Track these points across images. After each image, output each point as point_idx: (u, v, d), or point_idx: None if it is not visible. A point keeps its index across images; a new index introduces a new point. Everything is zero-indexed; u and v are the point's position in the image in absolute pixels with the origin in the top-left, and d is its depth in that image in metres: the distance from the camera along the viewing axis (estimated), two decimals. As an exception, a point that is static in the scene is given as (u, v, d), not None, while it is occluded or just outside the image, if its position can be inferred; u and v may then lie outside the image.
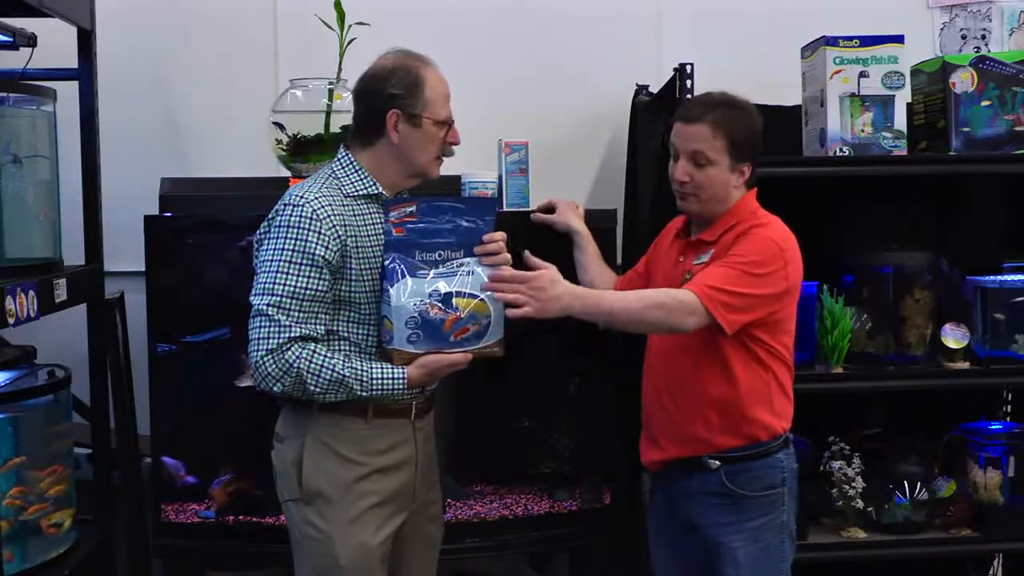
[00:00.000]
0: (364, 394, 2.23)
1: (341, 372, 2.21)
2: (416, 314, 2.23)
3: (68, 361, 2.77)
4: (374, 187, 2.31)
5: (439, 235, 2.29)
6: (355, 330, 2.28)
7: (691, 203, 2.42)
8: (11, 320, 2.20)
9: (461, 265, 2.29)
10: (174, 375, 2.78)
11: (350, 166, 2.32)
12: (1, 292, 2.16)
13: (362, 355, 2.28)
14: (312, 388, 2.20)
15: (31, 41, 2.80)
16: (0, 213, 2.50)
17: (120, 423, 2.87)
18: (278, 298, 2.19)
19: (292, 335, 2.19)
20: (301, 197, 2.23)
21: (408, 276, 2.25)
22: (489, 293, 2.28)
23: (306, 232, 2.20)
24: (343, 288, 2.25)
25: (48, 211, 2.72)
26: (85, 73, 2.78)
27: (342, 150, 2.36)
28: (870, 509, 2.95)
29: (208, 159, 3.28)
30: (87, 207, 2.81)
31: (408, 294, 2.23)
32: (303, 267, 2.20)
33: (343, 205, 2.26)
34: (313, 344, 2.21)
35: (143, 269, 2.81)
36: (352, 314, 2.28)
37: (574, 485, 2.98)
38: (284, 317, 2.18)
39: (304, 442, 2.28)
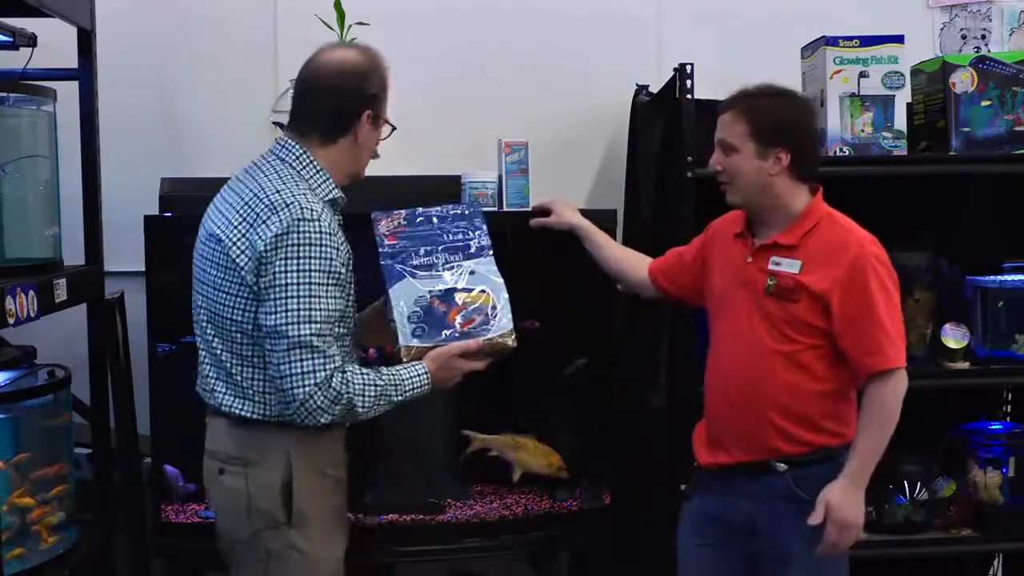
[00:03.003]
0: (399, 399, 2.20)
1: (380, 384, 2.17)
2: (418, 308, 2.25)
3: (68, 361, 2.77)
4: (337, 192, 2.26)
5: (432, 242, 2.32)
6: (343, 341, 2.23)
7: (730, 193, 2.42)
8: (11, 320, 2.19)
9: (459, 267, 2.31)
10: (174, 375, 2.78)
11: (311, 166, 2.24)
12: (1, 292, 2.16)
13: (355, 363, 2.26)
14: (360, 410, 2.15)
15: (31, 41, 2.79)
16: (0, 214, 2.51)
17: (120, 423, 2.87)
18: (318, 325, 2.10)
19: (336, 364, 2.12)
20: (310, 209, 2.13)
21: (408, 277, 2.26)
22: (495, 283, 2.29)
23: (328, 249, 2.12)
24: (345, 302, 2.21)
25: (51, 216, 2.71)
26: (85, 73, 2.78)
27: (297, 147, 2.25)
28: (870, 509, 2.94)
29: (208, 159, 3.28)
30: (87, 207, 2.81)
31: (409, 291, 2.26)
32: (330, 288, 2.13)
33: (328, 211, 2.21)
34: (346, 367, 2.16)
35: (143, 269, 2.81)
36: (345, 327, 2.24)
37: (574, 485, 2.98)
38: (327, 346, 2.11)
39: (289, 463, 2.20)
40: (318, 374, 2.10)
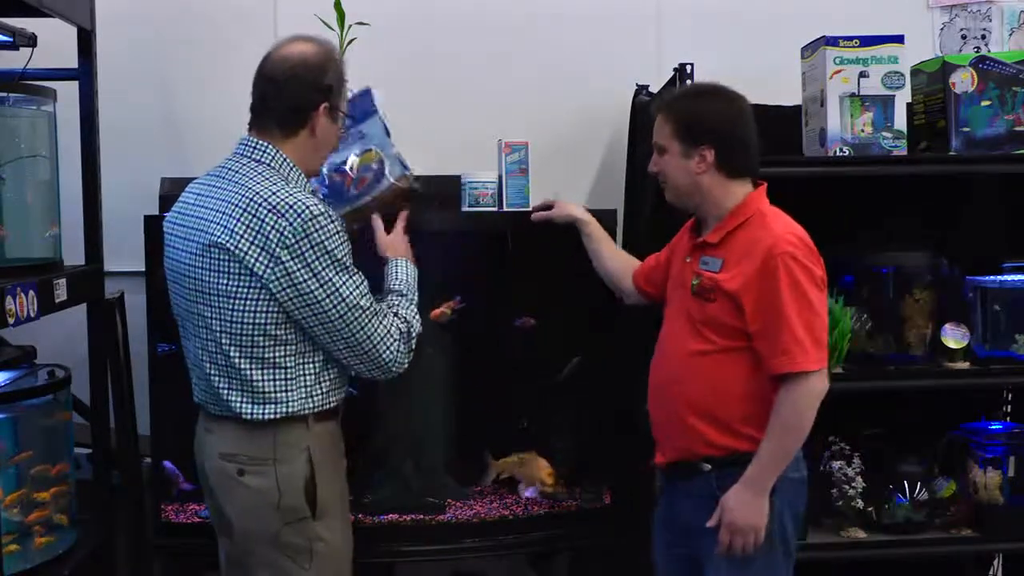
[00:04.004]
0: (415, 296, 2.39)
1: (407, 295, 2.36)
2: (324, 187, 2.52)
3: (68, 361, 2.77)
4: (310, 186, 2.31)
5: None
6: None
7: (667, 193, 2.44)
8: (11, 320, 2.20)
9: (352, 134, 2.52)
10: (174, 375, 2.78)
11: (286, 164, 2.26)
12: (1, 292, 2.16)
13: None
14: (416, 328, 2.32)
15: (31, 41, 2.79)
16: (0, 214, 2.51)
17: (120, 423, 2.87)
18: (369, 294, 2.24)
19: (393, 312, 2.29)
20: (316, 205, 2.17)
21: None
22: (382, 139, 2.49)
23: (342, 235, 2.19)
24: None
25: (51, 216, 2.71)
26: (85, 73, 2.78)
27: (270, 147, 2.26)
28: (870, 509, 2.95)
29: (208, 159, 3.25)
30: (87, 207, 2.81)
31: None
32: (354, 265, 2.24)
33: None
34: (386, 308, 2.29)
35: (143, 269, 2.81)
36: None
37: (574, 485, 2.98)
38: (379, 304, 2.27)
39: (309, 457, 2.24)
40: (393, 329, 2.26)
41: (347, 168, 2.46)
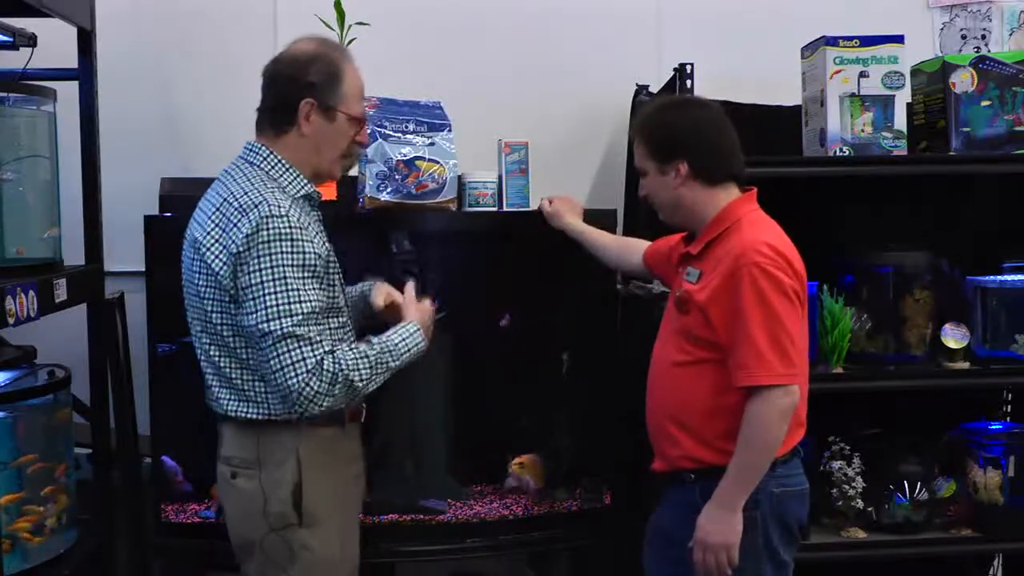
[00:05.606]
0: (396, 364, 2.19)
1: (373, 355, 2.15)
2: (385, 168, 2.70)
3: (68, 361, 2.77)
4: (310, 187, 2.26)
5: (401, 114, 2.76)
6: (340, 337, 2.23)
7: (660, 214, 2.41)
8: (11, 320, 2.19)
9: (423, 136, 2.75)
10: (174, 375, 2.78)
11: (279, 164, 2.23)
12: (1, 292, 2.16)
13: None
14: (360, 385, 2.12)
15: (31, 41, 2.79)
16: (0, 214, 2.51)
17: (120, 423, 2.87)
18: (300, 317, 2.08)
19: (325, 349, 2.10)
20: (277, 206, 2.11)
21: (380, 139, 2.70)
22: (450, 160, 2.73)
23: (299, 243, 2.10)
24: (329, 295, 2.20)
25: (51, 216, 2.71)
26: (85, 73, 2.78)
27: (263, 148, 2.24)
28: (870, 509, 2.95)
29: (208, 159, 3.26)
30: (87, 207, 2.81)
31: (380, 152, 2.70)
32: (307, 280, 2.11)
33: (298, 207, 2.20)
34: (335, 348, 2.14)
35: (143, 269, 2.81)
36: (338, 319, 2.24)
37: (574, 485, 2.98)
38: (311, 334, 2.09)
39: (298, 463, 2.20)
40: (308, 361, 2.08)
41: (417, 168, 2.65)
